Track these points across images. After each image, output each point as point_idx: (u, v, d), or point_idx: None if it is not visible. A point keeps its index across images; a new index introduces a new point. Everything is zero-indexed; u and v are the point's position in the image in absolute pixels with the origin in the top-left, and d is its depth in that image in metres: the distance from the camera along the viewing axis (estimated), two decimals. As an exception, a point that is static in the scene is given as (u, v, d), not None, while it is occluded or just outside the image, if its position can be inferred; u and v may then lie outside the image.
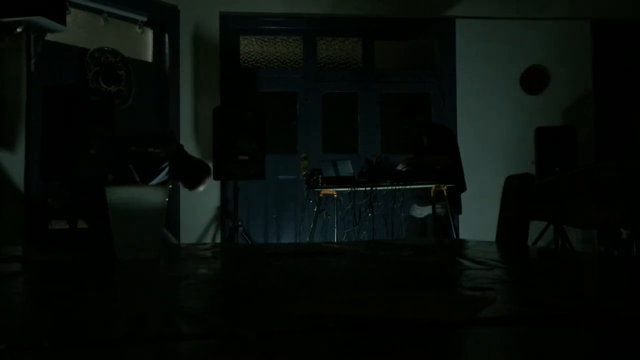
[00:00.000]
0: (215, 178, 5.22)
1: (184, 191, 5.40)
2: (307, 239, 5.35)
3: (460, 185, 4.64)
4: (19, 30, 4.08)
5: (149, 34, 5.64)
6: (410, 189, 4.68)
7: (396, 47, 6.46)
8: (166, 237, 4.36)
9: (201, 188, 4.56)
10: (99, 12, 5.14)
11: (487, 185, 4.93)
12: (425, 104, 5.73)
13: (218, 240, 5.63)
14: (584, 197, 1.41)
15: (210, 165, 5.23)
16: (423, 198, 4.68)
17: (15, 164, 4.33)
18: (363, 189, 4.69)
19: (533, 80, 6.01)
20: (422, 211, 4.73)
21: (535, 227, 2.09)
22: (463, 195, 4.75)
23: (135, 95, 5.33)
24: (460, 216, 5.00)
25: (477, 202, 5.20)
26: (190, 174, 4.49)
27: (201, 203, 5.58)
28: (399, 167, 4.67)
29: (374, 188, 4.63)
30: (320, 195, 5.18)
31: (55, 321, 0.63)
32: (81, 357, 0.49)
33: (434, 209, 4.53)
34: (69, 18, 4.53)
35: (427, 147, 4.72)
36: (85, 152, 4.03)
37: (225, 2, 5.80)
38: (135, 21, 5.44)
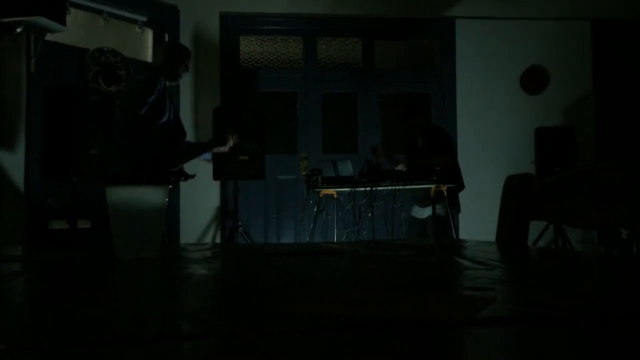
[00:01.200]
0: (215, 178, 5.22)
1: (184, 191, 5.42)
2: (307, 239, 5.35)
3: (459, 185, 4.65)
4: (19, 30, 4.08)
5: (149, 34, 5.64)
6: (410, 189, 4.68)
7: (396, 47, 6.45)
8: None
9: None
10: (99, 12, 5.14)
11: (486, 185, 4.93)
12: (425, 104, 5.73)
13: (218, 240, 5.62)
14: (584, 197, 1.41)
15: (210, 165, 5.23)
16: (423, 199, 4.68)
17: (15, 164, 4.33)
18: (363, 189, 4.69)
19: (533, 80, 6.00)
20: (422, 212, 4.73)
21: (535, 227, 2.09)
22: (463, 196, 4.75)
23: (135, 95, 5.32)
24: (459, 216, 4.99)
25: (477, 201, 5.19)
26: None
27: (201, 203, 5.58)
28: (399, 167, 4.67)
29: (374, 188, 4.63)
30: (320, 195, 5.17)
31: (55, 321, 0.63)
32: (81, 357, 0.49)
33: (434, 209, 4.53)
34: (69, 18, 4.53)
35: (421, 149, 4.72)
36: (85, 152, 4.03)
37: (225, 2, 5.80)
38: (135, 21, 5.43)
